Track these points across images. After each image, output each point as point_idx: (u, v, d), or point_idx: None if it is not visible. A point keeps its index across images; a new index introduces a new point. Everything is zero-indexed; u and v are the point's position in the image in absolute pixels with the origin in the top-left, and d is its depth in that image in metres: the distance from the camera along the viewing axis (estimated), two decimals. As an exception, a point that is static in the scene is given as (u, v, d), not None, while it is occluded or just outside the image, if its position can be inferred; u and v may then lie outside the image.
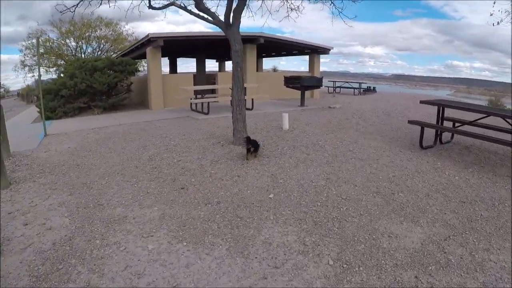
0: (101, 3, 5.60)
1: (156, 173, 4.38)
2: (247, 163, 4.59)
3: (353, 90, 16.61)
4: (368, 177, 4.08)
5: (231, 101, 5.80)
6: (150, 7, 5.32)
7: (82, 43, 21.26)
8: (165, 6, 5.26)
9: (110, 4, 5.67)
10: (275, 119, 7.81)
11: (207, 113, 8.99)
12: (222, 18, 5.29)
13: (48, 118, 9.27)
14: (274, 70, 24.54)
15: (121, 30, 22.34)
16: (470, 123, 5.23)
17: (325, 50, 13.78)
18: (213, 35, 10.85)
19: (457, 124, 5.47)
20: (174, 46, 12.96)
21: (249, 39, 11.90)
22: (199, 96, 9.33)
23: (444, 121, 5.54)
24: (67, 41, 21.21)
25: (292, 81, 11.03)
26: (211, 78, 13.49)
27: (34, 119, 10.97)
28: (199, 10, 5.17)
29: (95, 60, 10.05)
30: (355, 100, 12.68)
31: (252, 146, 4.89)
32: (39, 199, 3.76)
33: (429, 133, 5.53)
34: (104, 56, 16.95)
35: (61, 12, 5.20)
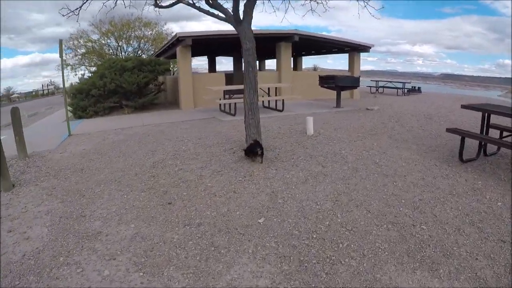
0: (116, 4, 5.48)
1: (151, 183, 4.10)
2: (250, 176, 4.12)
3: (396, 90, 15.26)
4: (388, 200, 3.38)
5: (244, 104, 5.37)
6: (156, 5, 5.07)
7: (122, 42, 22.06)
8: (172, 4, 4.97)
9: (126, 5, 5.53)
10: (303, 122, 7.18)
11: (234, 115, 8.66)
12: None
13: (79, 117, 9.62)
14: (315, 69, 23.57)
15: (160, 30, 22.92)
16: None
17: (365, 48, 12.75)
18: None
19: (505, 133, 4.50)
20: (209, 45, 12.85)
21: (283, 37, 11.42)
22: (226, 96, 9.03)
23: (490, 129, 4.59)
24: (108, 41, 22.18)
25: (327, 80, 10.27)
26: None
27: (66, 117, 11.52)
28: (210, 6, 4.80)
29: (125, 60, 10.21)
30: (397, 102, 11.51)
31: (260, 149, 4.53)
32: (32, 204, 3.69)
33: (472, 141, 4.61)
34: (144, 56, 17.46)
35: (64, 15, 5.14)
